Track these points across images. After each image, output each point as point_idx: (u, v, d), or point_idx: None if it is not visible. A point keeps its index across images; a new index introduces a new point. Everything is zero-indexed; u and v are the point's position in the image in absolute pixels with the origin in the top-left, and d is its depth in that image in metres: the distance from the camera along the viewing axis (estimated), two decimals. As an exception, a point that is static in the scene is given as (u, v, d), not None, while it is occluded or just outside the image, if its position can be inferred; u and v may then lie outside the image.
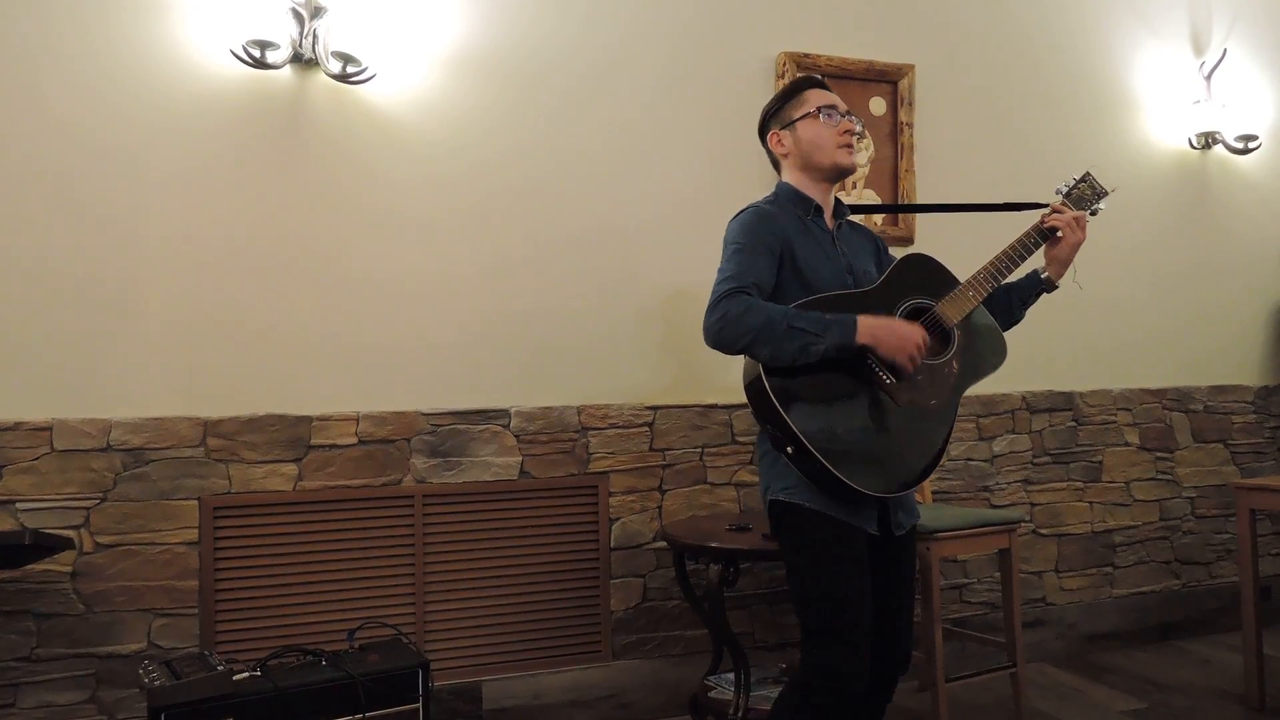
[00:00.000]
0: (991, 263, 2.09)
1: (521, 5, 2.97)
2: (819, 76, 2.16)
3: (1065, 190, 2.18)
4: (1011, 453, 3.55)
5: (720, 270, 1.95)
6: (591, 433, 3.00)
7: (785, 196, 2.10)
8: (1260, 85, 3.99)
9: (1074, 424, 3.65)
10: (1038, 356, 3.59)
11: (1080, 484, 3.66)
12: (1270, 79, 4.03)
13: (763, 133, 2.18)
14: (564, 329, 2.98)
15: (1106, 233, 3.72)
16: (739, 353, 1.90)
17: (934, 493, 3.39)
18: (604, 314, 3.03)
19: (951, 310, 2.03)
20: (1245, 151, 3.90)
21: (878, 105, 3.37)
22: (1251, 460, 3.96)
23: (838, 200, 2.15)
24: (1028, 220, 2.20)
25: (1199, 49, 3.92)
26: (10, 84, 2.51)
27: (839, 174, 2.10)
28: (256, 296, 2.70)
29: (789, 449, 1.85)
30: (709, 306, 1.90)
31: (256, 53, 2.60)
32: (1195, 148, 3.88)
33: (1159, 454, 3.80)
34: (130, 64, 2.60)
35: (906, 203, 3.34)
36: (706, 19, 3.18)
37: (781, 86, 2.17)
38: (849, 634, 1.86)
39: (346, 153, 2.78)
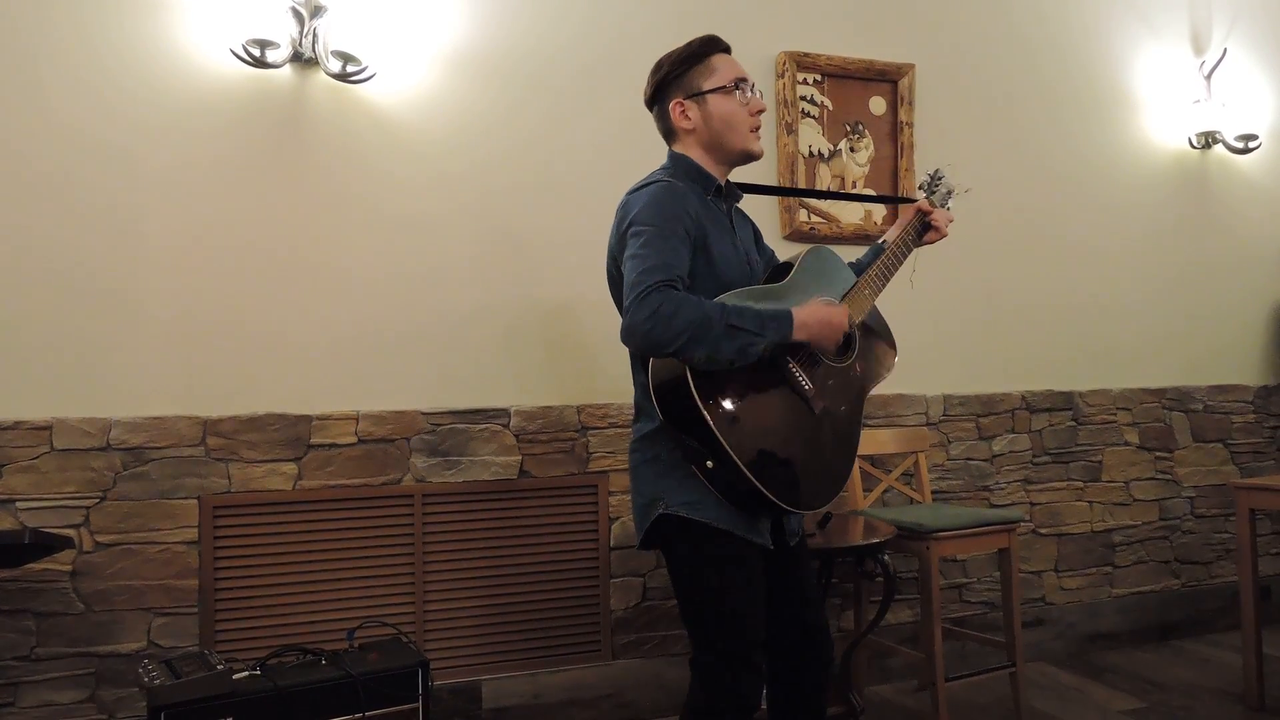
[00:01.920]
0: (882, 262, 2.07)
1: (521, 5, 2.96)
2: (721, 38, 1.94)
3: (926, 186, 2.25)
4: (1011, 452, 3.55)
5: (637, 257, 1.70)
6: (591, 432, 3.00)
7: (686, 171, 1.89)
8: (1260, 85, 3.99)
9: (1074, 423, 3.66)
10: (1037, 356, 3.60)
11: (1080, 483, 3.66)
12: (1270, 78, 4.03)
13: (660, 98, 1.93)
14: (564, 328, 2.98)
15: (1106, 232, 3.73)
16: (668, 355, 1.67)
17: (933, 492, 3.39)
18: (603, 313, 3.01)
19: (854, 309, 1.94)
20: (1245, 151, 3.89)
21: (877, 105, 3.37)
22: (1251, 460, 3.96)
23: (729, 181, 1.97)
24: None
25: (1199, 48, 3.92)
26: (9, 83, 2.51)
27: (747, 160, 1.93)
28: (256, 295, 2.70)
29: (708, 462, 1.70)
30: (633, 300, 1.66)
31: (256, 52, 2.60)
32: (1195, 147, 3.88)
33: (1159, 454, 3.80)
34: (130, 63, 2.59)
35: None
36: (706, 18, 3.17)
37: (685, 45, 1.93)
38: (751, 654, 1.79)
39: (346, 152, 2.78)
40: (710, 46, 1.92)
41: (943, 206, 2.24)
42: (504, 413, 2.91)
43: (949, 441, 3.45)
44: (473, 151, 2.90)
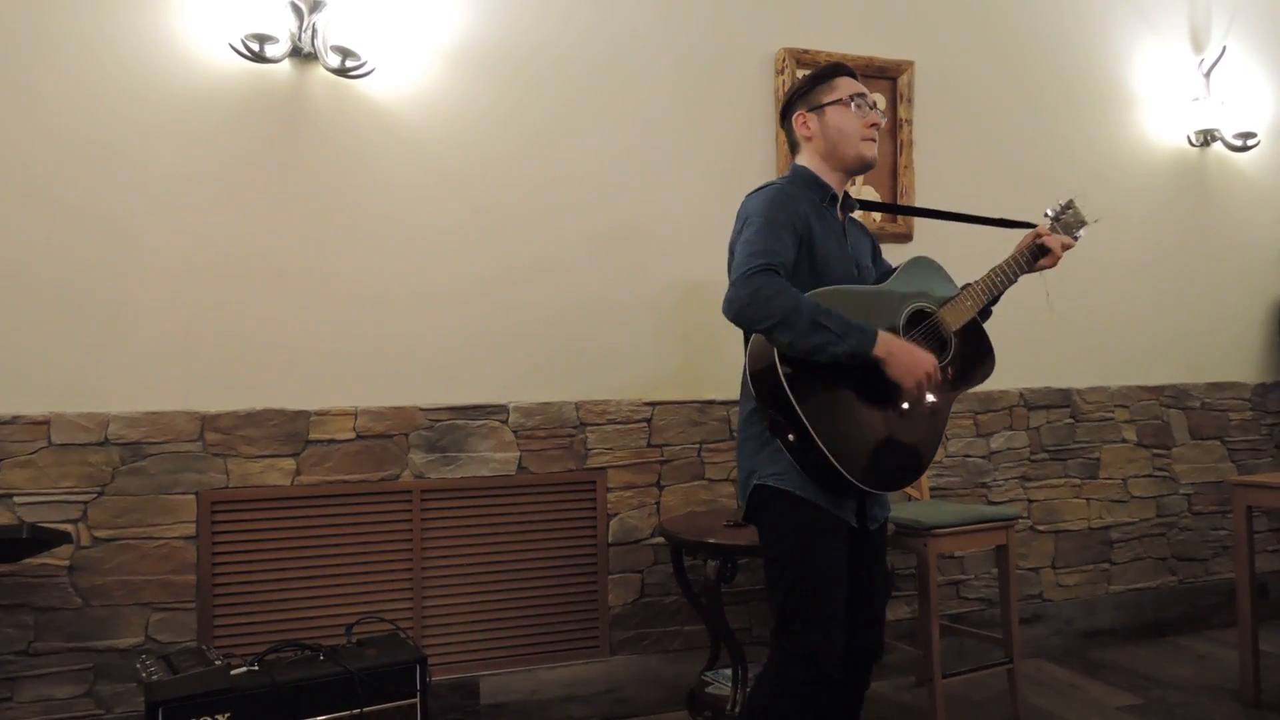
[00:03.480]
0: (989, 275, 2.16)
1: (523, 1, 2.96)
2: (849, 67, 2.13)
3: (1054, 214, 2.29)
4: (1009, 449, 3.55)
5: (747, 242, 1.89)
6: (589, 428, 3.00)
7: (803, 180, 2.07)
8: (1259, 83, 3.99)
9: (1071, 421, 3.66)
10: (1036, 353, 3.60)
11: (1078, 480, 3.67)
12: (1269, 76, 4.03)
13: (788, 112, 2.13)
14: (562, 325, 2.98)
15: (1104, 230, 3.71)
16: (755, 332, 1.86)
17: (931, 489, 3.39)
18: (602, 310, 3.03)
19: (951, 317, 2.08)
20: (1244, 149, 3.90)
21: (877, 102, 3.37)
22: (1248, 457, 3.97)
23: (846, 194, 2.14)
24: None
25: (1198, 46, 3.92)
26: (2, 81, 2.50)
27: (861, 167, 2.09)
28: (254, 291, 2.70)
29: (790, 435, 1.85)
30: (738, 278, 1.84)
31: (255, 46, 2.60)
32: (1194, 145, 3.88)
33: (1156, 451, 3.80)
34: (126, 58, 2.59)
35: (906, 204, 3.34)
36: (707, 15, 3.17)
37: (815, 69, 2.14)
38: (827, 620, 1.88)
39: (345, 148, 2.78)
40: (836, 70, 2.10)
41: (1070, 235, 2.28)
42: (502, 409, 2.91)
43: (947, 438, 3.45)
44: (472, 149, 2.90)
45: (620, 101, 3.06)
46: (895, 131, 3.38)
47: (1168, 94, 3.85)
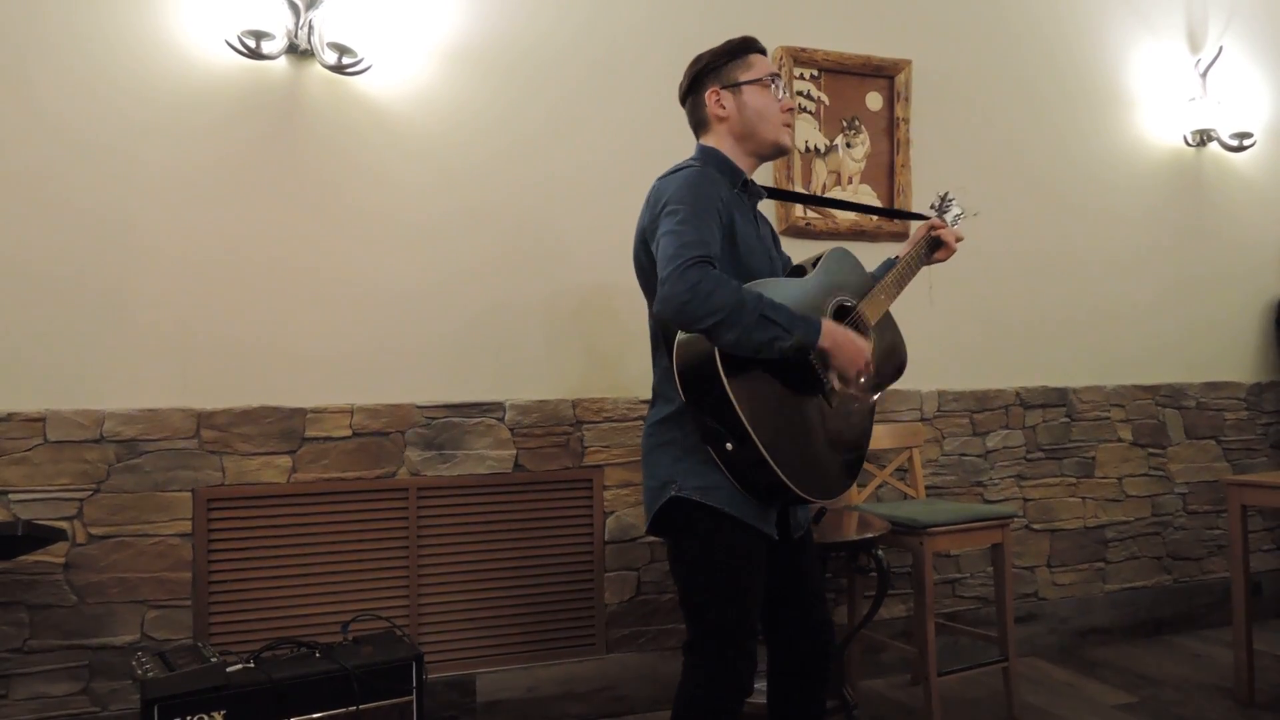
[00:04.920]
0: (898, 270, 2.14)
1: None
2: (758, 40, 2.02)
3: (937, 206, 2.34)
4: (1005, 448, 3.56)
5: (674, 233, 1.71)
6: (586, 426, 3.00)
7: (715, 162, 1.92)
8: (1256, 83, 4.00)
9: (1067, 420, 3.67)
10: (1032, 353, 3.60)
11: (1073, 479, 3.67)
12: (1266, 76, 4.04)
13: (695, 88, 1.98)
14: (559, 322, 2.98)
15: (1100, 229, 3.73)
16: (698, 331, 1.68)
17: (927, 487, 3.40)
18: (600, 308, 3.02)
19: (869, 312, 2.02)
20: (1240, 149, 3.90)
21: (874, 100, 3.37)
22: (1243, 456, 3.98)
23: (751, 180, 2.01)
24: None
25: (1195, 46, 3.92)
26: None
27: (776, 153, 1.99)
28: (250, 288, 2.69)
29: (728, 444, 1.72)
30: (672, 272, 1.66)
31: (252, 43, 2.59)
32: (1190, 145, 3.89)
33: (1151, 450, 3.81)
34: (123, 55, 2.58)
35: (892, 203, 3.33)
36: (704, 14, 3.17)
37: (725, 42, 2.01)
38: (747, 643, 1.82)
39: (341, 144, 2.77)
40: (749, 45, 1.98)
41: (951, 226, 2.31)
42: (499, 406, 2.91)
43: (943, 437, 3.45)
44: (470, 147, 2.90)
45: (617, 98, 3.06)
46: (892, 130, 3.38)
47: (1164, 94, 3.85)
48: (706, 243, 1.71)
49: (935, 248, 2.23)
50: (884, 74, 3.36)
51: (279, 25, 2.62)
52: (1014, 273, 3.57)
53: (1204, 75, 3.87)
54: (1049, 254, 3.62)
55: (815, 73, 3.28)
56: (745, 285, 1.72)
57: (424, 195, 2.85)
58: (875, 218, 3.33)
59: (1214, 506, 3.90)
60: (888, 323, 2.11)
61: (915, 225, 2.26)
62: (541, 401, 2.95)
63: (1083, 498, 3.68)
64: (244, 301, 2.68)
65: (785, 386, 1.78)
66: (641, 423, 3.04)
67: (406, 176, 2.84)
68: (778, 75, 1.97)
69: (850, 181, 3.32)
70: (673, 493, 1.83)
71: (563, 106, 3.00)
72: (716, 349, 1.68)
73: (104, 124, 2.57)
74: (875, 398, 2.03)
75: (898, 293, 2.12)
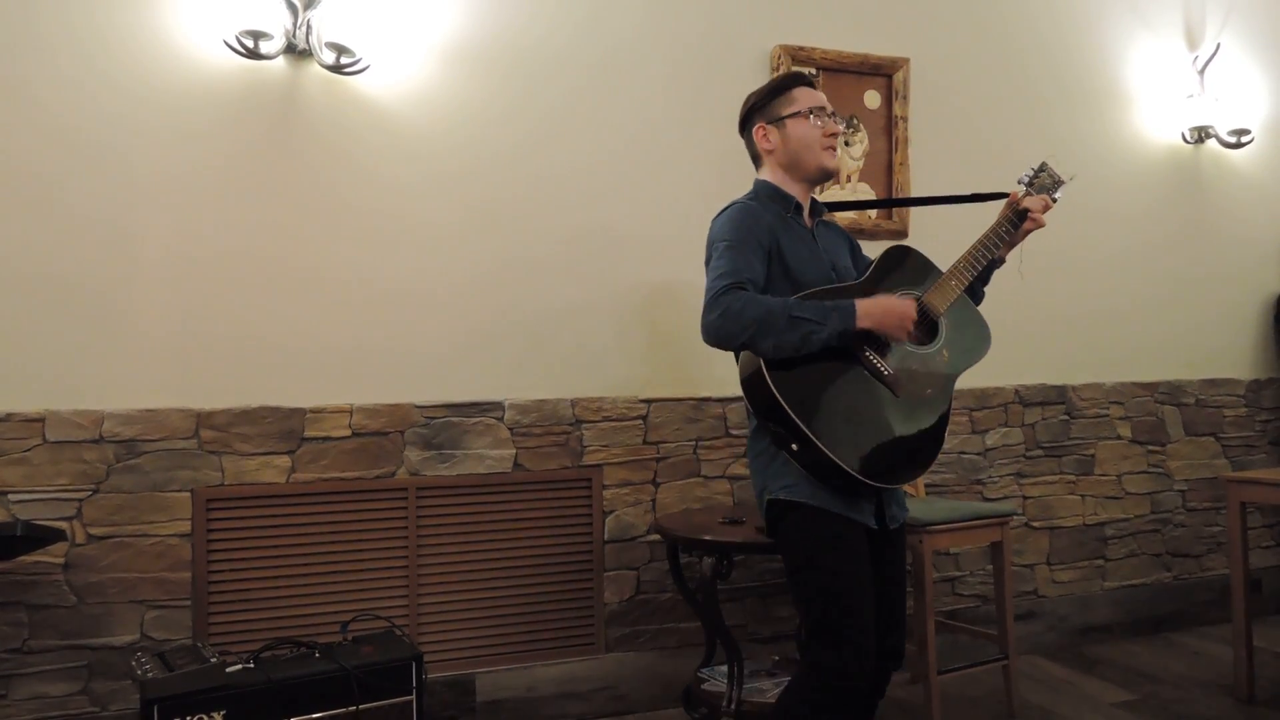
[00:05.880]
0: (970, 251, 2.14)
1: (516, -4, 2.96)
2: (807, 74, 2.15)
3: (1028, 179, 2.27)
4: (1004, 446, 3.56)
5: (713, 268, 1.93)
6: (585, 425, 3.00)
7: (765, 194, 2.09)
8: (1254, 79, 4.00)
9: (1066, 417, 3.67)
10: (1030, 350, 3.60)
11: (1072, 477, 3.67)
12: (1264, 73, 4.04)
13: (746, 125, 2.15)
14: (558, 322, 2.98)
15: (1098, 227, 3.73)
16: (739, 348, 1.88)
17: (926, 486, 3.40)
18: (598, 307, 3.03)
19: (937, 299, 2.07)
20: (1238, 146, 3.90)
21: (872, 99, 3.37)
22: (1242, 453, 3.98)
23: (813, 199, 2.15)
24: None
25: (1193, 42, 3.92)
26: None
27: (822, 176, 2.11)
28: (249, 288, 2.69)
29: (793, 445, 1.85)
30: (707, 304, 1.87)
31: (250, 43, 2.59)
32: (1188, 142, 3.89)
33: (1151, 447, 3.81)
34: (120, 55, 2.58)
35: (889, 197, 3.33)
36: (702, 12, 3.17)
37: (771, 80, 2.17)
38: (854, 633, 1.85)
39: (339, 145, 2.77)
40: (793, 80, 2.12)
41: (1052, 199, 2.26)
42: (498, 406, 2.91)
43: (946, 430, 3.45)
44: (468, 146, 2.89)
45: (616, 99, 3.06)
46: (891, 129, 3.38)
47: (1162, 90, 3.85)
48: (739, 270, 1.88)
49: (1020, 220, 2.20)
50: (882, 72, 3.36)
51: (277, 25, 2.62)
52: (1011, 270, 3.56)
53: (1202, 72, 3.87)
54: (1047, 251, 3.61)
55: (813, 71, 3.28)
56: (784, 297, 1.87)
57: (422, 195, 2.85)
58: (873, 214, 3.33)
59: (1213, 503, 3.90)
60: (963, 306, 2.13)
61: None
62: (540, 401, 2.95)
63: (1082, 495, 3.69)
64: (243, 301, 2.68)
65: (840, 382, 1.89)
66: (640, 422, 3.05)
67: (404, 176, 2.84)
68: (821, 108, 2.08)
69: (849, 180, 3.32)
70: (769, 496, 1.97)
71: (562, 107, 2.99)
72: (762, 361, 1.84)
73: (101, 124, 2.56)
74: (949, 388, 2.03)
75: (972, 274, 2.12)
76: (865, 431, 1.88)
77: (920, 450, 1.97)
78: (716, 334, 1.85)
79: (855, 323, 1.85)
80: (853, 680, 1.85)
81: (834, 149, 2.09)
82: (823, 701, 1.86)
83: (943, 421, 2.01)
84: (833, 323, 1.83)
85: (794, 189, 2.10)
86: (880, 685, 2.05)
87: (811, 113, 2.06)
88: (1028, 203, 2.20)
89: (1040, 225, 2.20)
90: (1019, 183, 2.28)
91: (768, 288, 1.96)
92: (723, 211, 2.05)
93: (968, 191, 3.41)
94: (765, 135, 2.10)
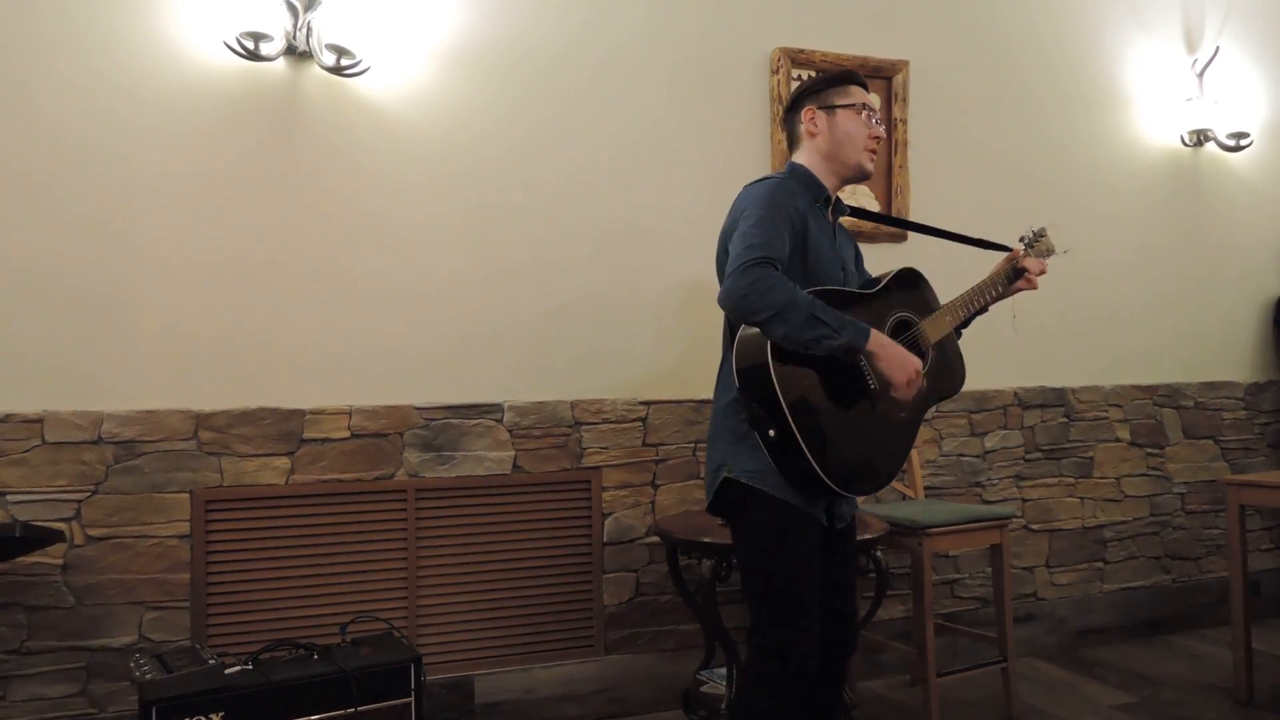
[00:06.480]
0: (969, 294, 2.22)
1: (519, 1, 2.96)
2: (863, 78, 2.16)
3: (1029, 240, 2.37)
4: (1003, 448, 3.56)
5: (744, 235, 1.89)
6: (585, 427, 3.00)
7: (800, 177, 2.08)
8: (1253, 82, 4.01)
9: (1065, 420, 3.67)
10: (1030, 353, 3.60)
11: (1071, 480, 3.67)
12: (1263, 76, 4.04)
13: (796, 105, 2.13)
14: (557, 324, 2.98)
15: (1097, 229, 3.74)
16: (750, 324, 1.86)
17: (926, 488, 3.40)
18: (597, 309, 3.03)
19: (931, 330, 2.12)
20: (1237, 149, 3.91)
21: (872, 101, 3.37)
22: (1241, 456, 3.98)
23: (838, 199, 2.15)
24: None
25: (1192, 46, 3.93)
26: (-1, 75, 2.50)
27: (857, 176, 2.12)
28: (248, 290, 2.69)
29: (771, 431, 1.85)
30: (735, 270, 1.84)
31: (250, 44, 2.59)
32: (1187, 145, 3.89)
33: (1150, 450, 3.82)
34: (120, 56, 2.58)
35: (899, 206, 3.34)
36: (703, 15, 3.17)
37: (829, 72, 2.20)
38: (802, 617, 1.90)
39: (340, 146, 2.77)
40: (851, 76, 2.13)
41: (1042, 260, 2.36)
42: (497, 408, 2.91)
43: (941, 437, 3.46)
44: (468, 148, 2.89)
45: (616, 101, 3.06)
46: (890, 131, 3.38)
47: (1161, 94, 3.86)
48: (772, 245, 1.86)
49: (1015, 277, 2.29)
50: (881, 75, 3.36)
51: (277, 27, 2.62)
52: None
53: (1201, 75, 3.87)
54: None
55: (813, 73, 3.28)
56: (806, 290, 1.86)
57: (421, 197, 2.85)
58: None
59: (1212, 506, 3.91)
60: (949, 342, 2.20)
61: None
62: (540, 403, 2.95)
63: (1081, 498, 3.69)
64: (242, 303, 2.68)
65: (832, 386, 1.90)
66: (639, 424, 3.05)
67: (405, 178, 2.84)
68: (874, 110, 2.10)
69: (848, 182, 3.32)
70: (727, 474, 1.97)
71: (561, 110, 2.99)
72: (769, 354, 1.83)
73: (101, 126, 2.56)
74: (928, 412, 2.10)
75: (965, 315, 2.21)
76: (842, 439, 1.90)
77: (884, 468, 2.01)
78: (736, 304, 1.83)
79: (865, 345, 1.85)
80: (802, 659, 1.89)
81: (875, 152, 2.10)
82: (777, 685, 1.89)
83: (908, 444, 2.07)
84: (845, 335, 1.82)
85: (828, 180, 2.09)
86: (839, 672, 2.09)
87: (865, 109, 2.08)
88: (1026, 263, 2.29)
89: (1033, 288, 2.31)
90: (1020, 240, 2.37)
91: (786, 271, 1.95)
92: (758, 182, 2.03)
93: (967, 192, 3.46)
94: (814, 119, 2.09)
